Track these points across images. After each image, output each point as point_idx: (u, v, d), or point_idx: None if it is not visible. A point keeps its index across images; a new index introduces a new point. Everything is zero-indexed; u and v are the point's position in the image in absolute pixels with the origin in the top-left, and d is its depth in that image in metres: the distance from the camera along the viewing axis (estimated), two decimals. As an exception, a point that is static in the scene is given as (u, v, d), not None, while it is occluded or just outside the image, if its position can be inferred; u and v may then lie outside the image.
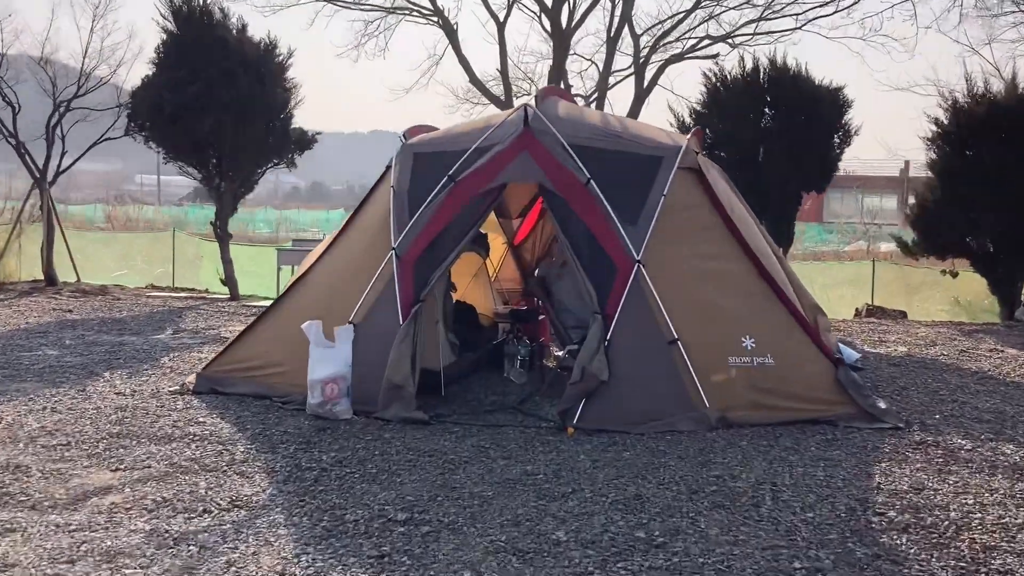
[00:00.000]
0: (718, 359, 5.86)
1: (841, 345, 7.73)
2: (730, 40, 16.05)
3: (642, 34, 16.51)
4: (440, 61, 19.28)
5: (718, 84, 11.35)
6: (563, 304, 7.11)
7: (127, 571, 3.47)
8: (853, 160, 35.25)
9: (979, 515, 4.17)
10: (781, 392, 5.86)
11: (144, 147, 13.31)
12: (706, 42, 16.21)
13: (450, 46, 16.95)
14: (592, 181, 6.09)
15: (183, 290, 14.63)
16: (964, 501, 4.36)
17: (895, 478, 4.71)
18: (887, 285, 15.00)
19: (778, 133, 11.05)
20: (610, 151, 6.35)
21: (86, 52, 14.27)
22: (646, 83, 15.22)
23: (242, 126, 12.18)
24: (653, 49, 15.77)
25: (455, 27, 16.90)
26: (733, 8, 16.33)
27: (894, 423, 5.75)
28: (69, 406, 6.08)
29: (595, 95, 16.23)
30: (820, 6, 16.19)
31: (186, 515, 4.07)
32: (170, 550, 3.67)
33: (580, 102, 13.05)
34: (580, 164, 6.16)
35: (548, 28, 16.14)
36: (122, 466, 4.78)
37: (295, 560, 3.59)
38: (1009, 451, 5.26)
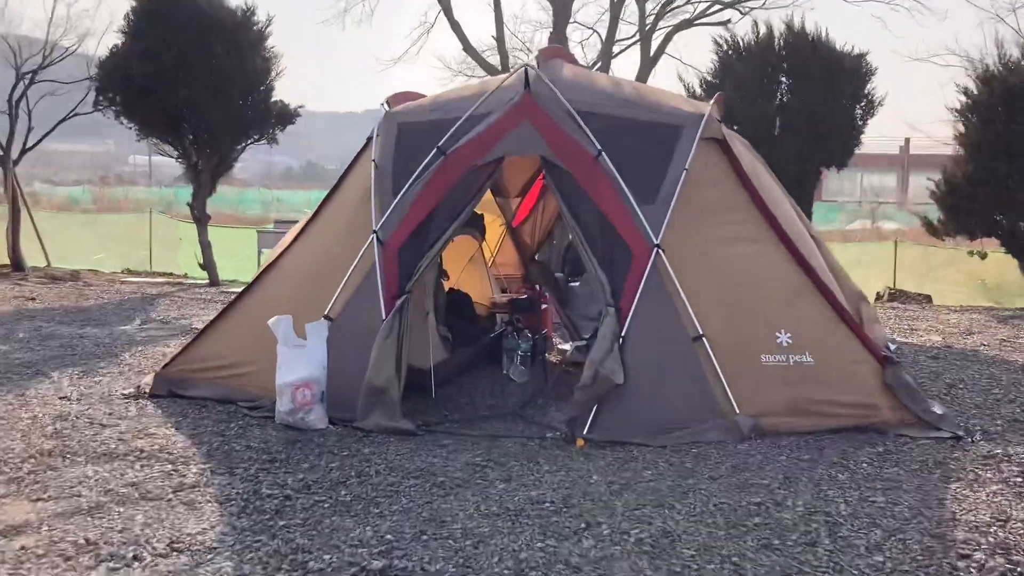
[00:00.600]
0: (749, 357, 5.08)
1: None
2: (740, 6, 15.11)
3: (647, -1, 15.52)
4: (432, 29, 18.33)
5: (730, 51, 10.48)
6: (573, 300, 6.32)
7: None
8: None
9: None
10: (822, 395, 5.08)
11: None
12: (716, 7, 15.24)
13: (442, 11, 15.98)
14: (603, 154, 5.28)
15: (161, 275, 13.82)
16: (1061, 536, 3.60)
17: (971, 505, 3.95)
18: (898, 266, 14.24)
19: (796, 104, 10.20)
20: (624, 119, 5.54)
21: (51, 19, 13.36)
22: (652, 52, 14.29)
23: (218, 99, 11.31)
24: (659, 15, 14.82)
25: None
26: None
27: (953, 432, 4.98)
28: (1, 415, 5.29)
29: (598, 66, 15.33)
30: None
31: (110, 564, 3.29)
32: (82, 617, 2.90)
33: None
34: (589, 134, 5.35)
35: (547, -7, 15.19)
36: (46, 495, 3.99)
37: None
38: (1094, 466, 4.50)
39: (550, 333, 7.68)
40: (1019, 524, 3.73)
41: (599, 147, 5.29)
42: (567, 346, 7.16)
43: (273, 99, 12.15)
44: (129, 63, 11.26)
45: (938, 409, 5.16)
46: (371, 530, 3.61)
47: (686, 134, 5.50)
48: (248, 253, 14.02)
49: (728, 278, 5.28)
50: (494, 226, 8.38)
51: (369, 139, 6.00)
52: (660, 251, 5.12)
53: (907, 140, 44.06)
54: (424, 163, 5.52)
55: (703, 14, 15.35)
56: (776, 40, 10.40)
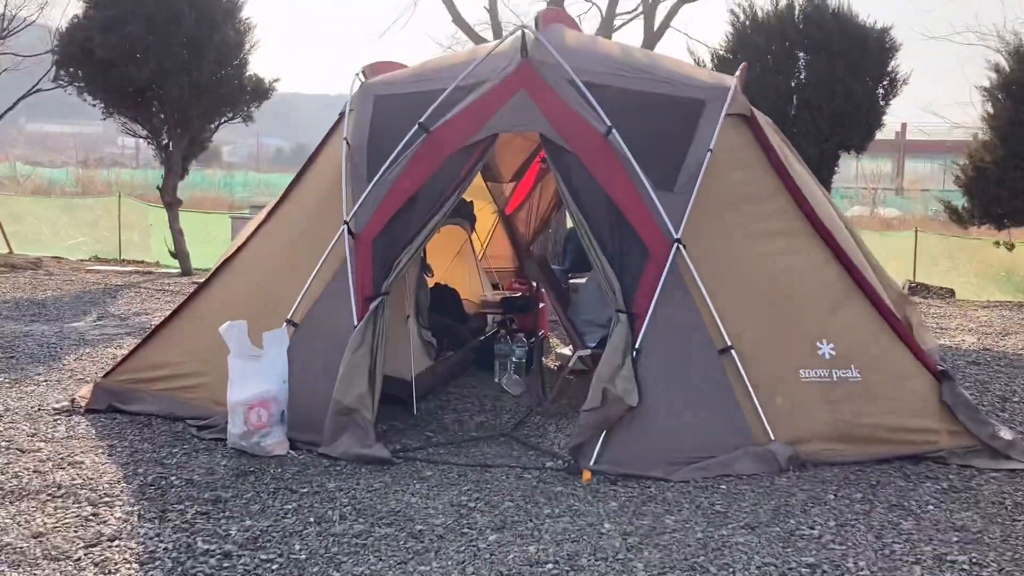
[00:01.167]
0: (786, 373, 4.31)
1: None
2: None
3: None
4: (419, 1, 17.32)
5: (747, 21, 9.64)
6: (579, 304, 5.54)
7: None
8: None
9: None
10: (869, 418, 4.32)
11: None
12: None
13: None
14: (614, 131, 4.48)
15: (131, 263, 12.98)
16: None
17: (1074, 567, 3.20)
18: (906, 256, 13.50)
19: (815, 80, 9.39)
20: (637, 92, 4.74)
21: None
22: (657, 25, 13.40)
23: (188, 73, 10.43)
24: (665, -15, 13.88)
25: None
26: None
27: (1026, 462, 4.23)
28: (-98, 437, 4.49)
29: (597, 42, 14.41)
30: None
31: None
32: None
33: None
34: (598, 108, 4.54)
35: (543, -37, 14.29)
36: (-78, 553, 3.20)
37: None
38: None
39: (547, 334, 6.90)
40: None
41: (609, 124, 4.49)
42: (568, 350, 6.38)
43: (248, 73, 11.27)
44: (90, 34, 10.36)
45: (1006, 434, 4.40)
46: (326, 608, 2.84)
47: (710, 109, 4.70)
48: (223, 238, 13.17)
49: (761, 279, 4.50)
50: (485, 214, 7.59)
51: (342, 115, 5.18)
52: (681, 246, 4.34)
53: (903, 125, 43.36)
54: (404, 142, 4.72)
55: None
56: (796, 12, 9.56)
